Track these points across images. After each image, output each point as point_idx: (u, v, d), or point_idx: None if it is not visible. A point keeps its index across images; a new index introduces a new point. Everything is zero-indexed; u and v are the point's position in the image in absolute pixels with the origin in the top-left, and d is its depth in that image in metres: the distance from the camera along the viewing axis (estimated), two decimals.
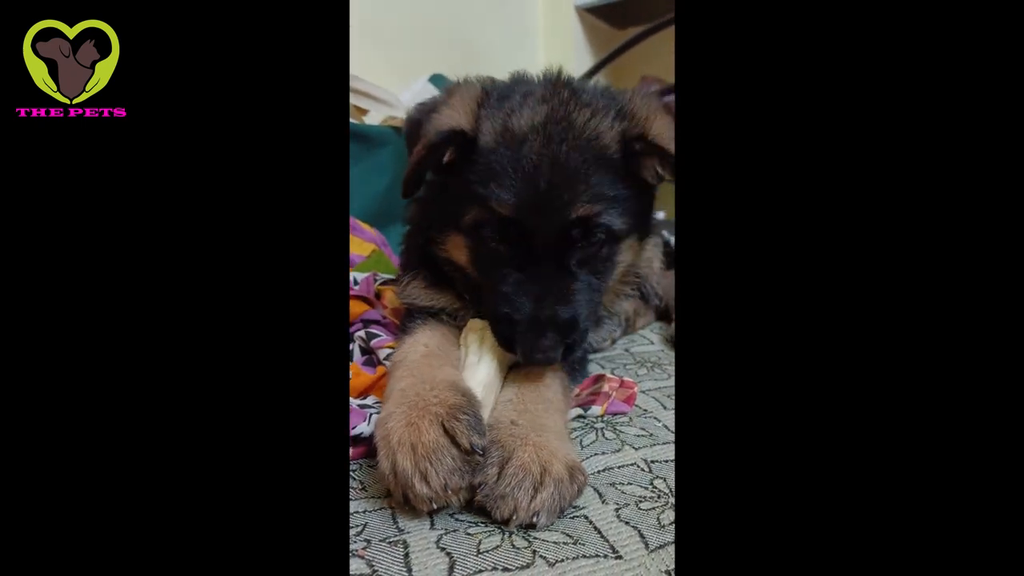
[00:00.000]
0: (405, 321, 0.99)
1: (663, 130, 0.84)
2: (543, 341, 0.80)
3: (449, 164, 0.87)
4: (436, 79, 2.06)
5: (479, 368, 0.83)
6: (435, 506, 0.64)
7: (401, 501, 0.65)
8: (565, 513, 0.66)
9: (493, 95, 0.88)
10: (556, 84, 0.90)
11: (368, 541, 0.61)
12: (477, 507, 0.66)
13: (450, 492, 0.63)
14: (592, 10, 3.05)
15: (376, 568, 0.57)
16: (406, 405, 0.69)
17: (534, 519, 0.63)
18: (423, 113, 0.91)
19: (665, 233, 1.72)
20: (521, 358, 0.83)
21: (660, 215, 2.43)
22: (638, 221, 0.91)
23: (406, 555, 0.59)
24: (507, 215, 0.81)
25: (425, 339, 0.88)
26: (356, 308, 1.16)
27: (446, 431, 0.66)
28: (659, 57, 3.02)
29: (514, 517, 0.63)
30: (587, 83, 0.96)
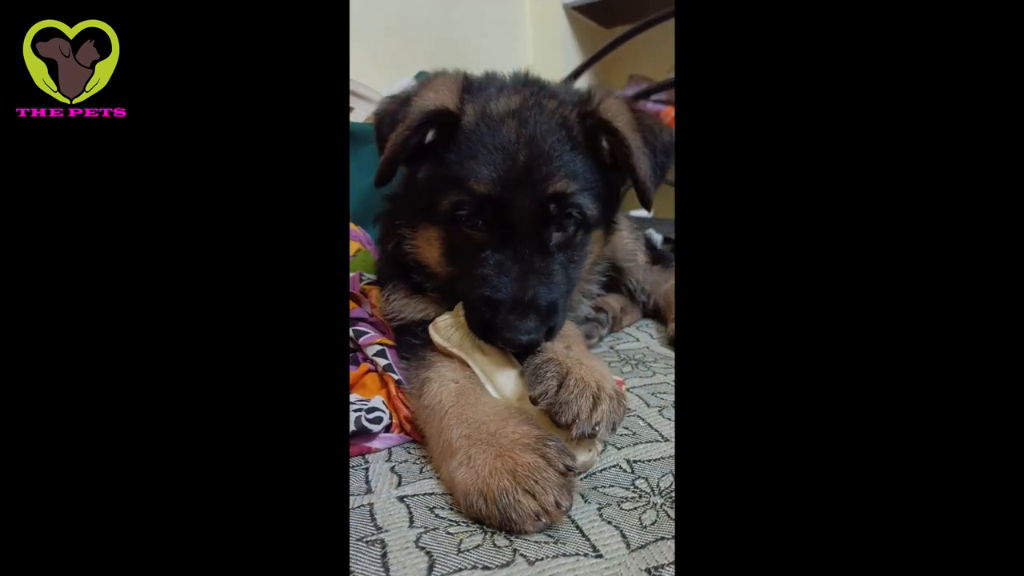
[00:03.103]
0: (402, 346, 0.97)
1: (612, 107, 0.90)
2: (527, 323, 0.80)
3: (427, 147, 0.89)
4: (422, 77, 2.04)
5: (504, 372, 0.82)
6: (543, 522, 0.61)
7: (500, 527, 0.62)
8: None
9: (473, 83, 0.94)
10: (525, 80, 0.98)
11: None
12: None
13: (561, 510, 0.61)
14: (580, 8, 3.04)
15: (353, 568, 0.56)
16: (483, 443, 0.67)
17: (596, 428, 0.69)
18: (398, 103, 0.92)
19: (651, 230, 1.72)
20: (503, 343, 0.82)
21: (647, 212, 2.43)
22: (605, 212, 0.96)
23: (384, 555, 0.58)
24: (486, 192, 0.83)
25: (451, 375, 0.83)
26: None
27: (542, 456, 0.64)
28: (647, 55, 3.03)
29: (577, 422, 0.68)
30: (551, 81, 1.03)
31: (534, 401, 0.72)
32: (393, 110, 0.91)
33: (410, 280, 1.01)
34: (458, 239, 0.88)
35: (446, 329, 0.90)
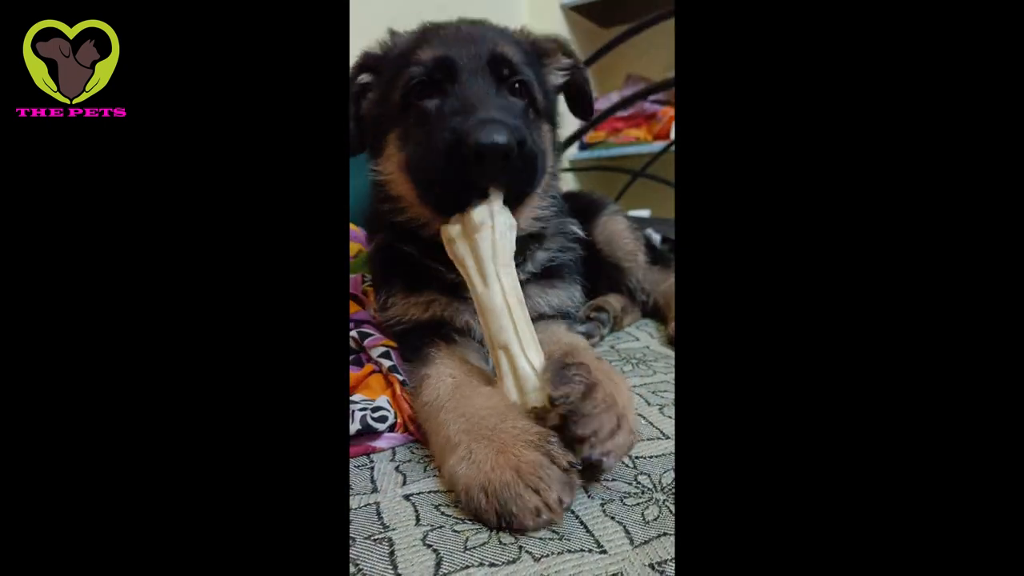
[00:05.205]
0: (406, 348, 0.97)
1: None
2: (492, 126, 0.75)
3: (365, 88, 1.01)
4: None
5: (493, 288, 0.77)
6: (543, 519, 0.61)
7: (497, 522, 0.61)
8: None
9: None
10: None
11: (352, 539, 0.61)
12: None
13: (563, 506, 0.61)
14: (578, 8, 3.05)
15: (361, 567, 0.57)
16: (484, 439, 0.67)
17: (604, 457, 0.66)
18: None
19: (650, 230, 1.73)
20: (472, 150, 0.75)
21: (645, 212, 2.44)
22: (549, 112, 1.01)
23: (391, 553, 0.59)
24: (433, 54, 0.88)
25: (448, 370, 0.83)
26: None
27: (545, 453, 0.64)
28: (645, 55, 3.03)
29: (593, 439, 0.65)
30: None
31: (552, 400, 0.68)
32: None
33: (405, 273, 1.00)
34: (414, 121, 0.90)
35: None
